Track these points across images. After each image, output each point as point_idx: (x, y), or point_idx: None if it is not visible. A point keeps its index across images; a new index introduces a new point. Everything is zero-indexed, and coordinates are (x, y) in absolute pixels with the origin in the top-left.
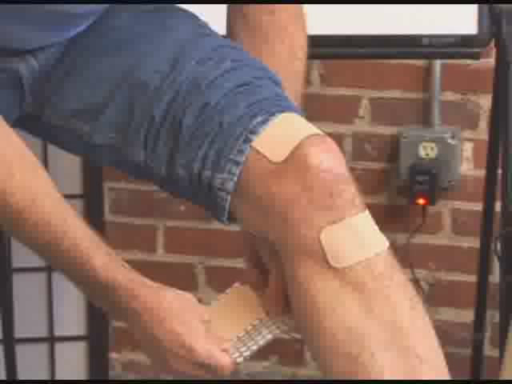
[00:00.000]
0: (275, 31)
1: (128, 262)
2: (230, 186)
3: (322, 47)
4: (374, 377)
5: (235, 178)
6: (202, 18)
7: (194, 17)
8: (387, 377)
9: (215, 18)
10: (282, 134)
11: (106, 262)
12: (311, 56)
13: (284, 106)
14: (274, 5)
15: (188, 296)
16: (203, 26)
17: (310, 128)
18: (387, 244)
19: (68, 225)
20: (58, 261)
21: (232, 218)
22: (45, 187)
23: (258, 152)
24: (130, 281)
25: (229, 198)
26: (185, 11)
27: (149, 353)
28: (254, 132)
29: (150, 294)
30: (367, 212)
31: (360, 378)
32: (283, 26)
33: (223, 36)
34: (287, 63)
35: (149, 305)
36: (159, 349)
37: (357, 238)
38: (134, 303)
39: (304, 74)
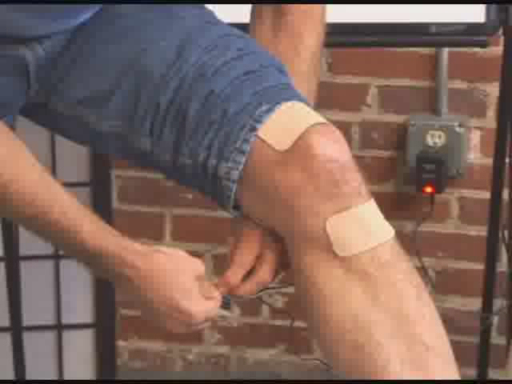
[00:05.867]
0: (287, 31)
1: None
2: (235, 174)
3: (330, 35)
4: (380, 364)
5: (240, 167)
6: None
7: (200, 5)
8: (394, 364)
9: (220, 8)
10: (287, 123)
11: (93, 230)
12: None
13: (289, 95)
14: (287, 5)
15: (180, 253)
16: (210, 14)
17: (315, 116)
18: (393, 233)
19: (55, 198)
20: (45, 234)
21: (236, 206)
22: (29, 160)
23: (263, 140)
24: (118, 247)
25: (234, 186)
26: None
27: (146, 315)
28: (259, 121)
29: (138, 259)
30: (372, 201)
31: (366, 366)
32: (295, 26)
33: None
34: (290, 63)
35: (141, 272)
36: (158, 313)
37: (362, 226)
38: (124, 269)
39: (311, 74)
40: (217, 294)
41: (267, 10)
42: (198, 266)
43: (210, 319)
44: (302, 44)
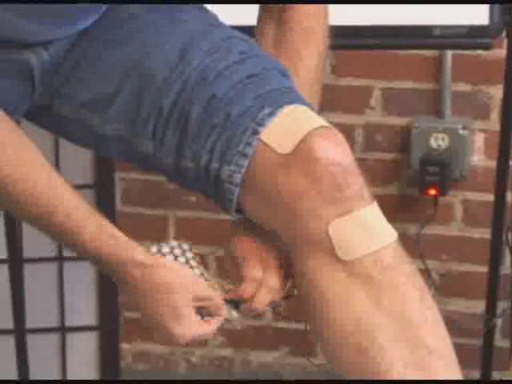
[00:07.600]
0: (287, 49)
1: None
2: (237, 178)
3: (333, 38)
4: (383, 368)
5: (243, 170)
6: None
7: (203, 8)
8: (396, 367)
9: (223, 10)
10: (290, 126)
11: (95, 235)
12: None
13: (292, 98)
14: (288, 23)
15: (186, 272)
16: (212, 17)
17: (318, 119)
18: (396, 235)
19: (61, 199)
20: (50, 234)
21: (238, 210)
22: (38, 160)
23: (265, 144)
24: (119, 257)
25: (237, 190)
26: (194, 3)
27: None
28: (261, 124)
29: (138, 272)
30: (375, 204)
31: (370, 369)
32: (295, 43)
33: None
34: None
35: (138, 283)
36: (150, 325)
37: (365, 230)
38: (123, 276)
39: (312, 92)
40: (215, 321)
41: (270, 27)
42: (198, 287)
43: (200, 342)
44: (301, 63)
